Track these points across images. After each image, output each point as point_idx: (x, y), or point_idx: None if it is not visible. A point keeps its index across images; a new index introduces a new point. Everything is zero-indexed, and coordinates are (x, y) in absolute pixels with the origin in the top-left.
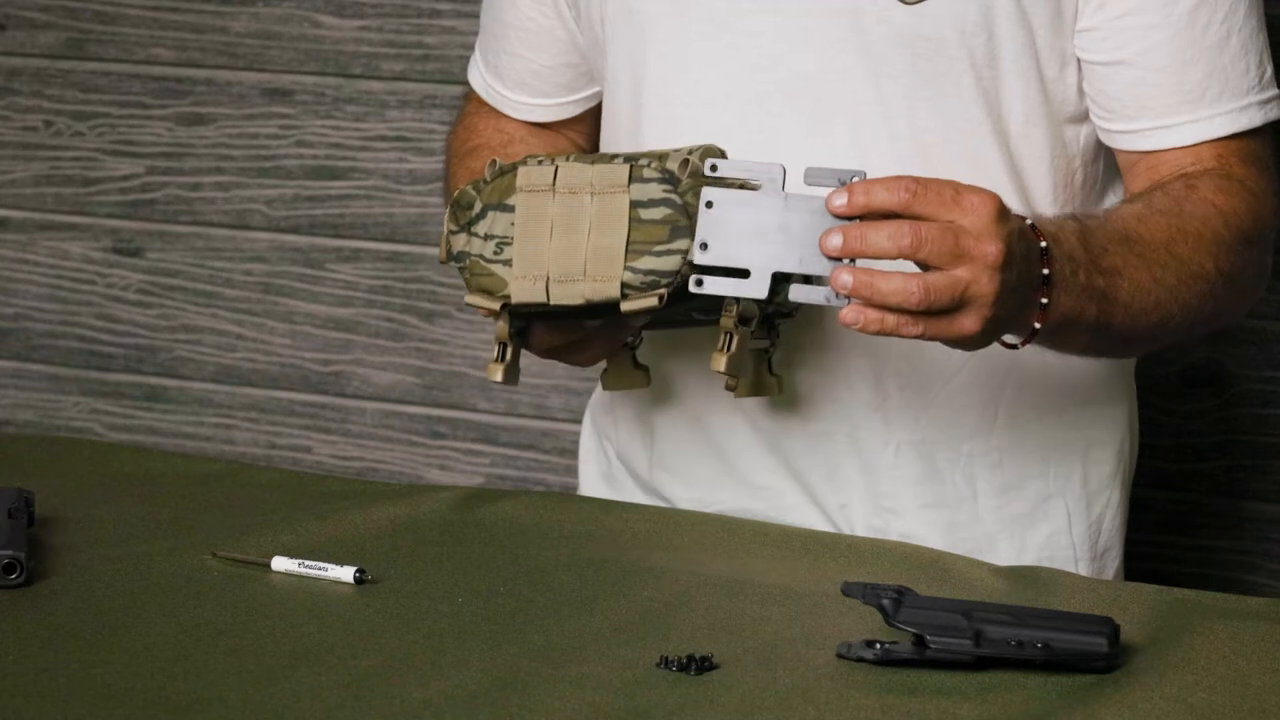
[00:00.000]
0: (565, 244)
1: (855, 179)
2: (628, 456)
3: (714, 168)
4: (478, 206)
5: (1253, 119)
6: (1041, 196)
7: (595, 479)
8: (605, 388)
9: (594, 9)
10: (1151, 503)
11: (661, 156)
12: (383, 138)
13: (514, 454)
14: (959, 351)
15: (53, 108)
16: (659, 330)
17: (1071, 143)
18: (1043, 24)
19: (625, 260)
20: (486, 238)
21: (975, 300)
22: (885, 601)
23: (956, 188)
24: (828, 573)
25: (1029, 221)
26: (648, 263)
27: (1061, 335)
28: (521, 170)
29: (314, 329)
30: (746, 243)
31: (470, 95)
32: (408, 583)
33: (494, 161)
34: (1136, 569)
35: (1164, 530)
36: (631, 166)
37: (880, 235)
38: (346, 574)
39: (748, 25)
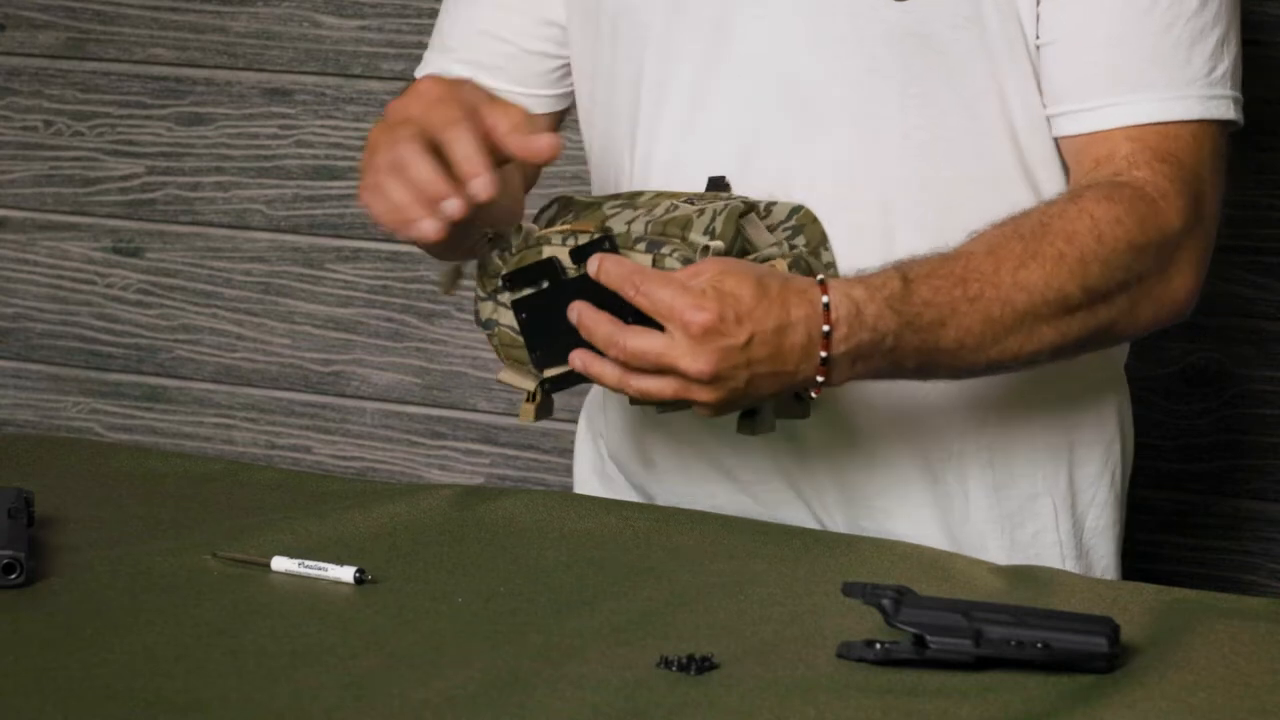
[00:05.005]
0: None
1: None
2: (619, 453)
3: (509, 283)
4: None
5: (1189, 110)
6: (1053, 191)
7: (589, 475)
8: (632, 402)
9: (591, 6)
10: (1151, 503)
11: (685, 225)
12: None
13: (514, 454)
14: None
15: (53, 108)
16: None
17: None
18: (1029, 14)
19: None
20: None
21: (697, 401)
22: (885, 601)
23: (660, 353)
24: (828, 573)
25: (826, 300)
26: None
27: (875, 378)
28: (547, 249)
29: (314, 329)
30: (565, 337)
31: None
32: (408, 583)
33: (519, 227)
34: (1136, 569)
35: (1164, 530)
36: (654, 256)
37: (605, 370)
38: (346, 574)
39: (741, 26)
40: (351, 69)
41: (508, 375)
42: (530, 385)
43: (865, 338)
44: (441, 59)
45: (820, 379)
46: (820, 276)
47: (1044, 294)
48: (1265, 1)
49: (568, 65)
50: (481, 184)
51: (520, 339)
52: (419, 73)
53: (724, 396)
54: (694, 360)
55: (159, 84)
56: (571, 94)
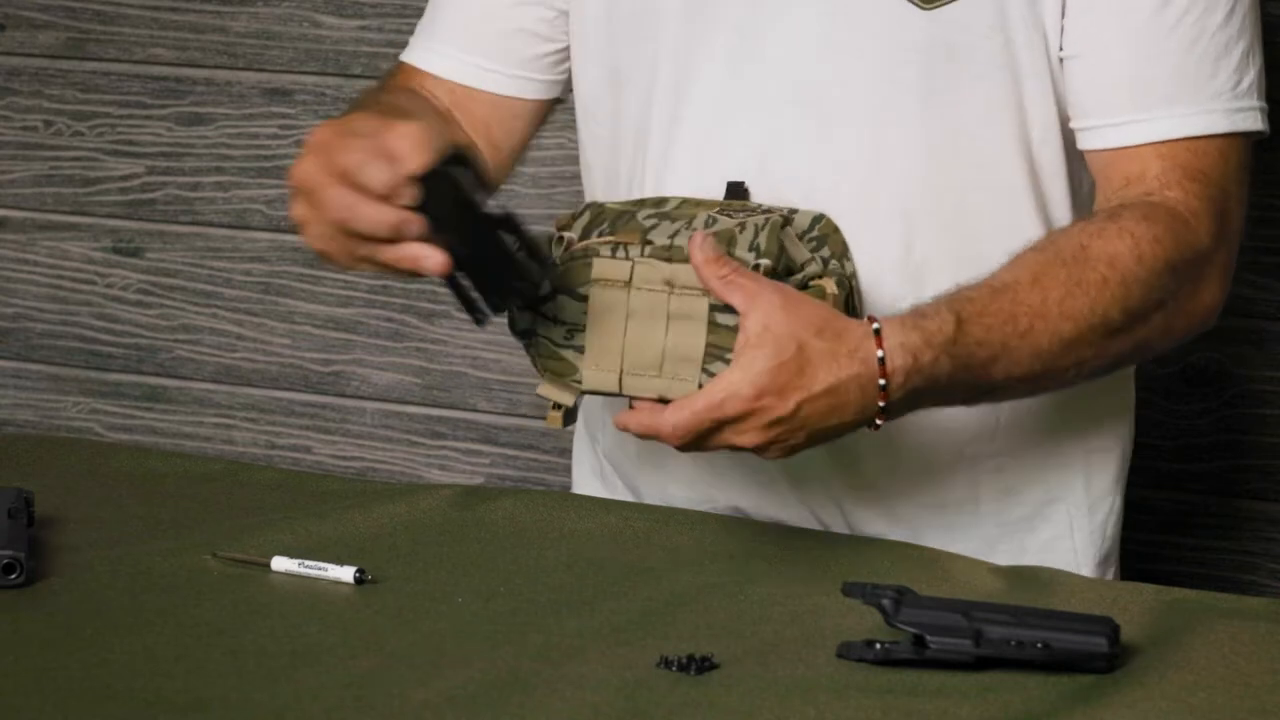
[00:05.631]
0: (640, 337)
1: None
2: (616, 455)
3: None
4: (546, 287)
5: (1213, 124)
6: (1058, 204)
7: (588, 476)
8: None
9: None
10: (1151, 503)
11: (729, 241)
12: None
13: (514, 454)
14: None
15: (53, 108)
16: None
17: (1073, 147)
18: (1054, 27)
19: (702, 363)
20: (556, 321)
21: (764, 453)
22: (885, 601)
23: (712, 414)
24: (828, 573)
25: (880, 355)
26: (722, 369)
27: (922, 408)
28: (596, 262)
29: (314, 329)
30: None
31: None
32: (408, 583)
33: (560, 237)
34: (1136, 569)
35: (1164, 530)
36: None
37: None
38: (346, 574)
39: (764, 31)
40: (351, 69)
41: (546, 389)
42: (569, 400)
43: (920, 384)
44: (425, 43)
45: (880, 421)
46: (876, 326)
47: (1089, 320)
48: (1266, 1)
49: (563, 52)
50: (436, 262)
51: (560, 351)
52: (404, 58)
53: (786, 452)
54: (745, 438)
55: (159, 84)
56: (564, 83)
